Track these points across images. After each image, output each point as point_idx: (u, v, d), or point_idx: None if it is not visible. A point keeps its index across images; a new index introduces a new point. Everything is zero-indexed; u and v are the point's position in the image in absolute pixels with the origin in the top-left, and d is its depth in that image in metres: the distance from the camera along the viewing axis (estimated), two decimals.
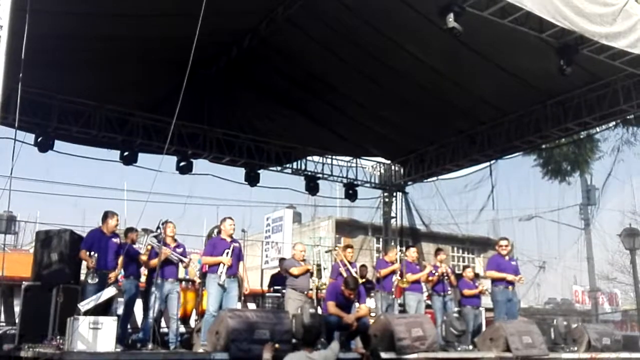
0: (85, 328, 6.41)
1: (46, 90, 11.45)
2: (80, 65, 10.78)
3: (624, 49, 8.92)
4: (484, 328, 10.60)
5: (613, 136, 15.33)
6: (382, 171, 16.82)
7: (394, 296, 10.05)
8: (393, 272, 9.97)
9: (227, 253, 8.11)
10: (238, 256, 8.31)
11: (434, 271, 10.36)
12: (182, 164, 13.51)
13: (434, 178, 16.03)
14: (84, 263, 8.31)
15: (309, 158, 15.40)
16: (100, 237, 8.12)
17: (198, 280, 9.74)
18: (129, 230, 9.03)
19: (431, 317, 9.62)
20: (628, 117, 11.93)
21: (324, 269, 11.66)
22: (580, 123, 12.08)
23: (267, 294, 10.91)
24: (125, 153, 12.86)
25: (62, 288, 7.93)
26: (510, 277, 9.79)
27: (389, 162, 16.66)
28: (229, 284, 8.03)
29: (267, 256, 23.35)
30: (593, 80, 11.18)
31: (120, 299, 8.48)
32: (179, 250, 8.55)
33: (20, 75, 5.94)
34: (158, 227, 8.32)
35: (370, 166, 16.75)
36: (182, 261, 8.50)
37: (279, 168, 14.99)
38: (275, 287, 10.83)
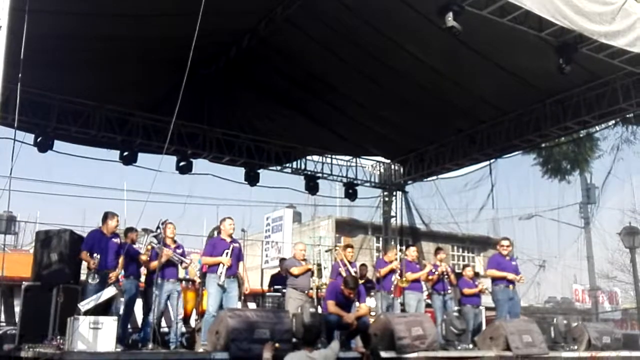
0: (86, 328, 6.41)
1: (45, 90, 11.44)
2: (79, 65, 10.77)
3: (623, 47, 8.91)
4: (484, 327, 10.61)
5: (612, 135, 15.34)
6: (382, 170, 16.82)
7: (393, 295, 10.06)
8: (392, 271, 9.98)
9: (227, 253, 8.12)
10: (238, 256, 8.32)
11: (434, 270, 10.37)
12: (181, 163, 13.51)
13: (434, 177, 16.04)
14: (84, 263, 8.31)
15: (308, 158, 15.40)
16: (101, 238, 8.13)
17: (198, 280, 9.75)
18: (129, 230, 9.04)
19: (431, 316, 9.63)
20: (627, 115, 11.94)
21: (324, 268, 11.65)
22: (579, 122, 12.08)
23: (268, 294, 10.92)
24: (125, 153, 12.86)
25: (62, 288, 7.94)
26: (510, 276, 9.80)
27: (388, 161, 16.66)
28: (229, 284, 8.04)
29: (267, 256, 23.38)
30: (592, 78, 11.18)
31: (121, 299, 8.48)
32: (179, 250, 8.57)
33: (20, 75, 5.94)
34: (158, 227, 8.33)
35: (370, 165, 16.75)
36: (182, 262, 8.50)
37: (278, 168, 14.99)
38: (276, 287, 10.85)
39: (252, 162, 14.32)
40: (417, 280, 10.27)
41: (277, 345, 6.46)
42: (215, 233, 9.28)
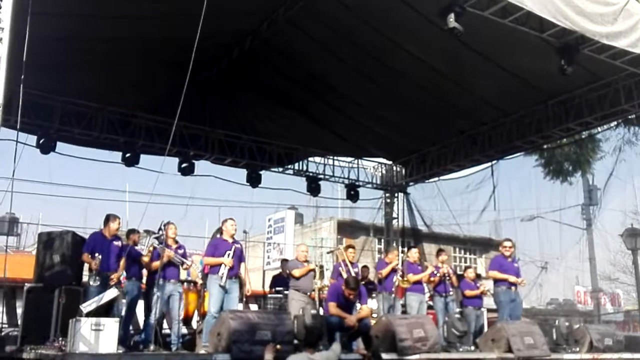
0: (87, 329, 6.41)
1: (48, 92, 11.48)
2: (82, 66, 10.80)
3: (625, 48, 8.90)
4: (485, 329, 10.60)
5: (614, 136, 15.31)
6: (384, 172, 16.82)
7: (394, 295, 10.07)
8: (394, 271, 9.98)
9: (229, 254, 8.12)
10: (239, 257, 8.32)
11: (435, 272, 10.36)
12: (183, 165, 13.53)
13: (436, 178, 16.03)
14: (86, 265, 8.31)
15: (310, 159, 15.42)
16: (102, 241, 8.14)
17: (200, 282, 9.75)
18: (131, 231, 9.04)
19: (433, 318, 9.61)
20: (629, 116, 11.93)
21: (327, 269, 11.65)
22: (581, 123, 12.07)
23: (269, 295, 10.93)
24: (127, 154, 12.86)
25: (64, 289, 7.96)
26: (512, 278, 9.78)
27: (390, 162, 16.66)
28: (230, 285, 8.04)
29: (269, 257, 23.43)
30: (594, 80, 11.16)
31: (122, 300, 8.49)
32: (180, 251, 8.57)
33: (22, 77, 5.95)
34: (160, 229, 8.34)
35: (372, 167, 16.75)
36: (184, 263, 8.51)
37: (280, 169, 15.00)
38: (277, 288, 10.85)
39: (254, 163, 14.33)
40: (418, 282, 10.26)
41: (278, 347, 6.45)
42: (218, 235, 9.29)
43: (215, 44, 10.62)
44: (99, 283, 7.65)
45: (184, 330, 9.24)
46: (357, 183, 16.05)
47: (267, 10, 10.36)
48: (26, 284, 8.60)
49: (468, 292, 10.67)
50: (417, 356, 7.90)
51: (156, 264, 8.19)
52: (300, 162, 15.24)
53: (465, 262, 26.79)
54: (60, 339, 7.23)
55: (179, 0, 8.77)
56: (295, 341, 7.27)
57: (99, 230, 8.40)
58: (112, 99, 12.24)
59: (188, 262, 8.54)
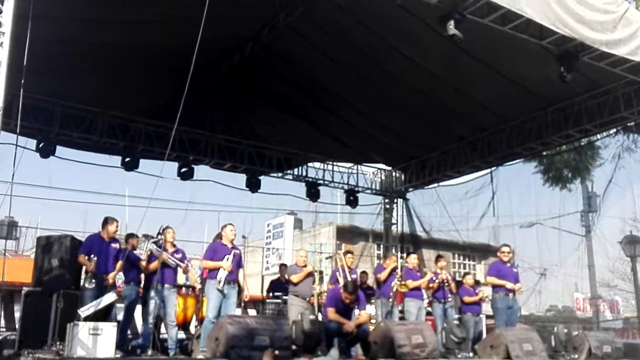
0: (85, 334, 6.41)
1: (48, 96, 11.49)
2: (82, 71, 10.81)
3: (625, 56, 8.94)
4: (484, 335, 10.59)
5: (614, 143, 15.35)
6: (383, 177, 16.82)
7: (392, 300, 10.06)
8: (393, 271, 10.00)
9: (228, 258, 8.11)
10: (238, 263, 8.31)
11: (434, 278, 10.36)
12: (183, 170, 13.52)
13: (435, 185, 16.04)
14: (84, 269, 8.31)
15: (310, 164, 15.42)
16: (99, 243, 8.13)
17: (198, 286, 9.74)
18: (130, 236, 9.04)
19: (431, 324, 9.62)
20: (629, 124, 11.93)
21: (326, 275, 11.66)
22: (581, 130, 12.08)
23: (268, 300, 10.92)
24: (127, 159, 12.86)
25: (63, 294, 7.94)
26: (510, 285, 9.77)
27: (389, 168, 16.67)
28: (229, 290, 8.02)
29: (267, 262, 23.40)
30: (593, 87, 11.18)
31: (120, 305, 8.48)
32: (178, 255, 8.57)
33: (22, 81, 5.96)
34: (159, 233, 8.34)
35: (371, 172, 16.75)
36: (179, 266, 8.50)
37: (280, 174, 15.00)
38: (276, 294, 10.85)
39: (253, 168, 14.33)
40: (417, 288, 10.26)
41: (276, 352, 6.45)
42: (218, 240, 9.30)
43: (215, 49, 10.64)
44: (94, 285, 7.64)
45: (182, 335, 9.22)
46: (356, 189, 16.04)
47: (267, 15, 10.38)
48: (24, 287, 8.58)
49: (467, 299, 10.68)
50: None
51: (153, 265, 8.19)
52: (300, 168, 15.24)
53: (464, 268, 26.79)
54: (58, 343, 7.23)
55: (180, 6, 8.78)
56: (294, 347, 7.26)
57: (96, 233, 8.40)
58: (112, 104, 12.26)
59: (182, 264, 8.53)
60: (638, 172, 16.60)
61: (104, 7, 8.84)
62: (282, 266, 12.23)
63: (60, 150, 12.40)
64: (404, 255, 14.15)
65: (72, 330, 6.46)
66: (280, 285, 10.99)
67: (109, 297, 7.40)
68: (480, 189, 15.35)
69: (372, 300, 10.61)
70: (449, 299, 10.38)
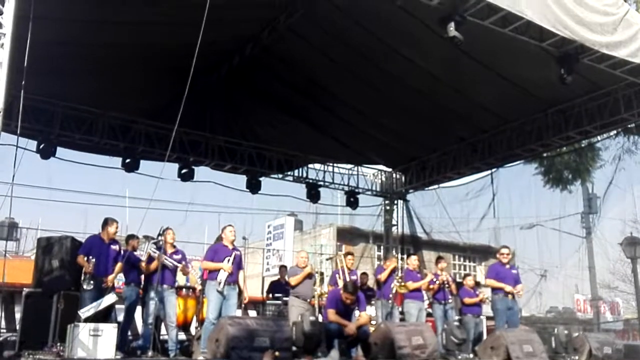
0: (86, 335, 6.42)
1: (49, 97, 11.50)
2: (82, 72, 10.82)
3: (625, 58, 8.95)
4: (484, 336, 10.59)
5: (614, 145, 15.33)
6: (384, 179, 16.83)
7: (392, 302, 10.07)
8: (393, 272, 10.01)
9: (228, 260, 8.12)
10: (239, 264, 8.32)
11: (434, 279, 10.36)
12: (183, 171, 13.54)
13: (435, 186, 16.04)
14: (83, 269, 8.30)
15: (310, 166, 15.43)
16: (99, 244, 8.12)
17: (199, 288, 9.75)
18: (130, 237, 9.04)
19: (432, 326, 9.62)
20: (629, 125, 11.94)
21: (327, 276, 11.66)
22: (581, 132, 12.09)
23: (268, 302, 10.92)
24: (127, 160, 12.86)
25: (63, 295, 7.94)
26: (508, 288, 9.76)
27: (390, 169, 16.68)
28: (229, 291, 8.03)
29: (268, 264, 23.42)
30: (594, 89, 11.19)
31: (121, 306, 8.48)
32: (177, 256, 8.57)
33: (23, 82, 5.97)
34: (159, 234, 8.34)
35: (372, 174, 16.76)
36: (176, 267, 8.50)
37: (280, 176, 15.01)
38: (276, 295, 10.85)
39: (253, 169, 14.34)
40: (418, 289, 10.26)
41: (277, 353, 6.46)
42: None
43: (216, 51, 10.65)
44: (92, 287, 7.64)
45: (182, 336, 9.22)
46: (356, 190, 16.05)
47: (267, 17, 10.39)
48: (25, 289, 8.58)
49: (467, 300, 10.68)
50: None
51: (153, 265, 8.20)
52: (300, 169, 15.26)
53: (465, 269, 26.80)
54: (59, 344, 7.22)
55: (180, 7, 8.79)
56: (294, 348, 7.27)
57: (96, 234, 8.40)
58: (113, 105, 12.26)
59: (179, 265, 8.52)
60: (638, 173, 16.61)
61: (104, 8, 8.85)
62: (282, 268, 12.22)
63: (60, 151, 12.42)
64: (405, 256, 14.14)
65: (72, 332, 6.47)
66: (280, 287, 11.00)
67: (109, 299, 7.40)
68: (480, 191, 15.37)
69: (372, 302, 10.61)
70: (450, 300, 10.38)
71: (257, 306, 11.89)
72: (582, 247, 20.83)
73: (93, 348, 6.41)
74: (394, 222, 16.96)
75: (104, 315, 7.19)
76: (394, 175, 16.74)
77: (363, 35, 10.27)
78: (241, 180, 14.58)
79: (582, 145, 14.44)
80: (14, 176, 6.52)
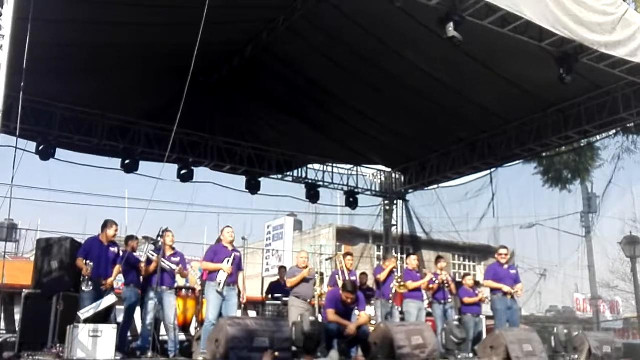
0: (85, 336, 6.43)
1: (48, 99, 11.49)
2: (82, 73, 10.83)
3: (624, 57, 8.95)
4: (484, 336, 10.59)
5: (613, 144, 15.37)
6: (383, 179, 16.83)
7: (392, 302, 10.07)
8: (392, 272, 10.01)
9: (228, 261, 8.13)
10: (238, 265, 8.33)
11: (434, 279, 10.37)
12: (183, 172, 13.54)
13: (435, 186, 16.04)
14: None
15: (309, 166, 15.43)
16: (98, 247, 8.12)
17: (198, 288, 9.75)
18: (130, 238, 9.04)
19: (432, 325, 9.62)
20: (628, 125, 11.91)
21: (326, 276, 11.67)
22: (580, 131, 12.09)
23: (268, 302, 10.93)
24: (127, 161, 12.86)
25: (63, 296, 7.94)
26: (506, 288, 9.77)
27: (389, 170, 16.68)
28: (228, 292, 8.04)
29: (267, 264, 23.38)
30: (593, 88, 11.20)
31: (120, 307, 8.48)
32: (176, 259, 8.56)
33: (22, 84, 5.97)
34: (159, 235, 8.34)
35: (371, 174, 16.76)
36: (173, 270, 8.50)
37: (279, 176, 15.01)
38: (276, 295, 10.85)
39: (253, 170, 14.34)
40: (418, 289, 10.27)
41: (276, 354, 6.46)
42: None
43: (215, 51, 10.66)
44: (91, 289, 7.64)
45: (182, 337, 9.23)
46: (356, 190, 16.06)
47: (267, 18, 10.40)
48: (24, 290, 8.58)
49: (467, 300, 10.68)
50: None
51: (153, 266, 8.20)
52: (300, 169, 15.26)
53: (464, 269, 26.79)
54: (58, 345, 7.23)
55: (180, 8, 8.80)
56: (294, 348, 7.27)
57: (95, 236, 8.40)
58: (112, 106, 12.26)
59: (176, 268, 8.51)
60: (637, 172, 16.61)
61: (103, 10, 8.85)
62: (282, 268, 12.24)
63: (60, 152, 12.41)
64: (404, 256, 14.14)
65: (72, 333, 6.47)
66: (279, 287, 11.00)
67: (109, 300, 7.41)
68: (480, 190, 15.36)
69: (372, 302, 10.61)
70: (449, 300, 10.39)
71: (257, 307, 11.88)
72: (582, 246, 20.81)
73: (92, 349, 6.41)
74: (393, 222, 16.97)
75: (104, 316, 7.19)
76: (394, 175, 16.74)
77: (362, 36, 10.28)
78: (240, 180, 14.60)
79: (582, 144, 14.46)
80: (13, 177, 6.53)
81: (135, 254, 8.77)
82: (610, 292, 27.57)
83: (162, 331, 8.81)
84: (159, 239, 8.26)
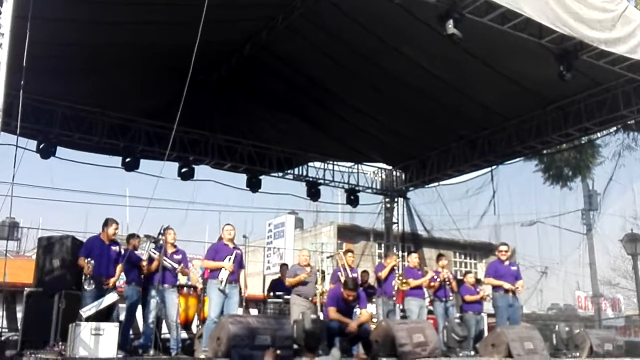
0: (87, 334, 6.43)
1: (49, 97, 11.51)
2: (82, 71, 10.83)
3: (624, 54, 8.94)
4: (485, 334, 10.59)
5: (614, 141, 15.38)
6: (384, 177, 16.84)
7: (394, 299, 10.08)
8: (392, 270, 10.02)
9: (229, 258, 8.15)
10: (240, 263, 8.35)
11: (435, 277, 10.38)
12: (183, 170, 13.55)
13: (436, 184, 16.05)
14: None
15: (310, 164, 15.44)
16: (99, 245, 8.13)
17: (200, 286, 9.76)
18: (131, 236, 9.05)
19: (433, 323, 9.63)
20: (628, 122, 11.93)
21: (328, 274, 11.69)
22: (580, 128, 12.09)
23: (269, 300, 10.94)
24: (127, 159, 12.87)
25: (64, 294, 7.95)
26: (507, 285, 9.78)
27: (390, 167, 16.68)
28: (230, 289, 8.06)
29: (269, 262, 23.41)
30: (593, 85, 11.19)
31: (122, 305, 8.50)
32: (177, 257, 8.57)
33: (22, 82, 5.97)
34: (160, 233, 8.35)
35: (372, 172, 16.77)
36: (175, 268, 8.51)
37: (280, 174, 15.02)
38: (277, 293, 10.86)
39: (253, 168, 14.35)
40: (419, 287, 10.27)
41: (278, 352, 6.46)
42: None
43: (215, 50, 10.66)
44: (93, 287, 7.65)
45: (184, 334, 9.24)
46: (357, 188, 16.07)
47: (266, 16, 10.40)
48: (26, 288, 8.59)
49: (468, 297, 10.68)
50: None
51: (154, 265, 8.21)
52: (300, 167, 15.26)
53: (465, 267, 26.77)
54: (60, 343, 7.23)
55: (179, 6, 8.80)
56: (295, 346, 7.28)
57: (96, 235, 8.41)
58: (113, 104, 12.28)
59: (178, 267, 8.52)
60: (638, 169, 16.60)
61: (103, 8, 8.86)
62: (283, 266, 12.25)
63: (60, 151, 12.44)
64: (405, 254, 14.14)
65: (74, 331, 6.48)
66: (281, 285, 11.00)
67: (111, 298, 7.42)
68: (480, 188, 15.37)
69: (373, 299, 10.62)
70: (451, 298, 10.40)
71: (258, 304, 11.90)
72: (583, 243, 20.80)
73: (94, 347, 6.42)
74: (394, 219, 16.98)
75: (106, 315, 7.20)
76: (394, 173, 16.75)
77: (362, 34, 10.27)
78: (241, 178, 14.62)
79: (582, 142, 14.45)
80: (14, 176, 6.53)
81: (136, 252, 8.79)
82: (612, 290, 27.52)
83: (164, 329, 8.83)
84: (160, 237, 8.27)
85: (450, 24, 8.07)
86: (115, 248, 8.29)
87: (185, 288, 9.60)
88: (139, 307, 8.73)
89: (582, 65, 9.60)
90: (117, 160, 13.04)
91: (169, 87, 10.91)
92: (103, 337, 6.49)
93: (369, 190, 16.60)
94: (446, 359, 8.70)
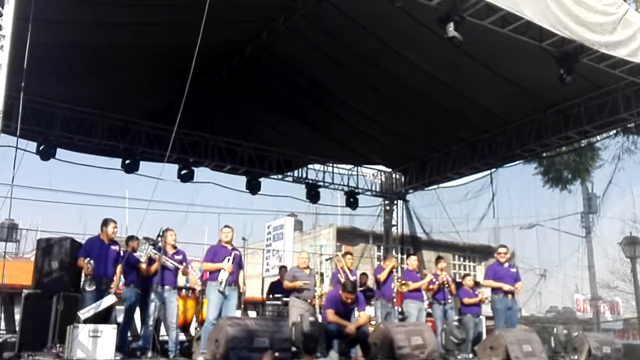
0: (85, 336, 6.42)
1: (49, 99, 11.50)
2: (82, 73, 10.83)
3: (624, 57, 8.95)
4: (484, 336, 10.59)
5: (614, 144, 15.37)
6: (383, 179, 16.84)
7: (393, 302, 10.07)
8: (391, 272, 10.02)
9: (228, 260, 8.14)
10: (239, 264, 8.35)
11: (434, 279, 10.38)
12: (183, 172, 13.54)
13: (435, 186, 16.04)
14: (84, 271, 8.30)
15: (309, 166, 15.44)
16: (99, 246, 8.12)
17: (198, 288, 9.75)
18: (130, 238, 9.04)
19: (431, 326, 9.62)
20: (628, 125, 11.92)
21: (327, 277, 11.69)
22: (580, 131, 12.08)
23: (268, 302, 10.93)
24: (127, 161, 12.85)
25: (63, 296, 7.94)
26: (506, 287, 9.78)
27: (389, 170, 16.68)
28: (229, 291, 8.05)
29: (268, 264, 23.40)
30: (593, 88, 11.19)
31: (120, 307, 8.48)
32: (178, 257, 8.56)
33: (23, 84, 5.97)
34: (159, 235, 8.34)
35: (371, 174, 16.77)
36: (178, 268, 8.50)
37: (280, 176, 15.01)
38: (276, 295, 10.85)
39: (253, 170, 14.34)
40: (418, 289, 10.27)
41: (276, 354, 6.46)
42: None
43: (215, 52, 10.66)
44: (93, 288, 7.64)
45: (182, 336, 9.22)
46: (356, 190, 16.06)
47: (267, 18, 10.40)
48: (24, 290, 8.57)
49: (467, 300, 10.68)
50: None
51: (154, 267, 8.19)
52: (300, 170, 15.26)
53: (465, 269, 26.78)
54: (58, 345, 7.22)
55: (180, 7, 8.80)
56: (294, 348, 7.27)
57: (96, 235, 8.39)
58: (113, 106, 12.27)
59: (180, 266, 8.51)
60: (638, 173, 16.63)
61: (104, 10, 8.85)
62: (282, 268, 12.24)
63: (60, 152, 12.42)
64: (404, 256, 14.14)
65: (72, 333, 6.47)
66: (280, 287, 10.99)
67: (109, 300, 7.40)
68: (480, 191, 15.36)
69: (372, 302, 10.61)
70: (449, 301, 10.39)
71: (257, 307, 11.89)
72: (582, 246, 20.79)
73: (92, 349, 6.41)
74: (393, 222, 16.97)
75: (104, 317, 7.18)
76: (394, 175, 16.75)
77: (363, 36, 10.27)
78: (241, 181, 14.61)
79: (582, 145, 14.45)
80: (13, 177, 6.54)
81: (135, 254, 8.78)
82: (610, 293, 27.55)
83: (162, 331, 8.81)
84: (159, 239, 8.26)
85: (450, 27, 8.07)
86: (114, 248, 8.28)
87: (183, 290, 9.59)
88: (137, 309, 8.72)
89: (583, 69, 9.60)
90: (117, 162, 13.04)
91: (169, 88, 10.93)
92: (101, 339, 6.49)
93: (369, 193, 16.60)
94: None
